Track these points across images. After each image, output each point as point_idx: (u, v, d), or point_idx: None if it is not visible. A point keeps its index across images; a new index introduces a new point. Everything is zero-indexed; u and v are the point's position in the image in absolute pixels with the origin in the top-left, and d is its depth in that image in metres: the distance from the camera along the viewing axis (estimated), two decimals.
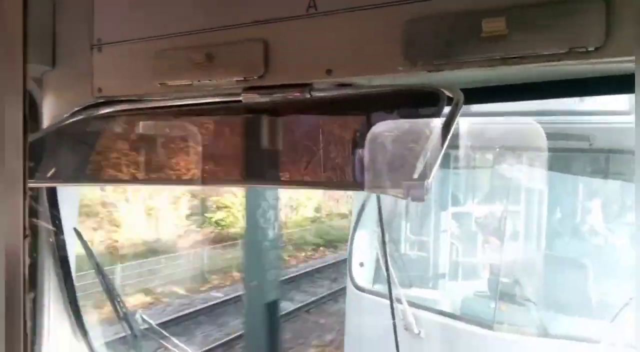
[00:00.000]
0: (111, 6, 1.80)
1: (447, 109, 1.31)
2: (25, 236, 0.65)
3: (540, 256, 5.01)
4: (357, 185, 1.52)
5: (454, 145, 4.64)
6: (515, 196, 5.00)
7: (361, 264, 5.54)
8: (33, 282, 2.09)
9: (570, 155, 4.70)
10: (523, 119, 4.51)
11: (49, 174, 1.90)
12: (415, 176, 1.17)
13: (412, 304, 4.95)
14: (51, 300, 2.11)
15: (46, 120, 1.94)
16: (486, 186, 5.68)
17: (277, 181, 1.72)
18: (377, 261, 5.39)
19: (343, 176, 1.58)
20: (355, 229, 5.61)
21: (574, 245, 4.90)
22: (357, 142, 1.54)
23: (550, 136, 4.58)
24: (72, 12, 1.87)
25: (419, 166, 1.19)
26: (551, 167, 4.93)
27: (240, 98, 1.60)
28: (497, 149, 5.12)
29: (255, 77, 1.54)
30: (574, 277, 4.64)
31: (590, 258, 4.62)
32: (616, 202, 4.64)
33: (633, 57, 1.08)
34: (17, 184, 0.70)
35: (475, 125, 4.57)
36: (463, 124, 4.45)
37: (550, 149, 4.71)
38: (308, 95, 1.51)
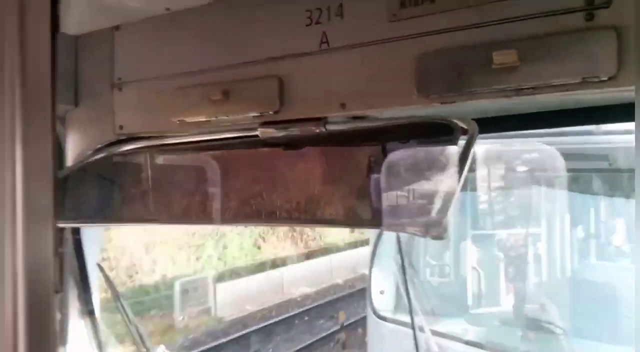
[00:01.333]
0: (131, 47, 1.87)
1: (461, 140, 1.32)
2: (56, 291, 0.64)
3: (566, 280, 4.88)
4: (376, 223, 1.50)
5: (473, 169, 4.61)
6: (538, 218, 4.91)
7: (381, 292, 5.46)
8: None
9: (590, 175, 4.63)
10: (541, 141, 4.48)
11: (72, 213, 1.95)
12: (434, 212, 1.13)
13: (435, 332, 4.84)
14: (74, 337, 2.13)
15: (70, 159, 2.00)
16: (508, 209, 5.59)
17: (295, 219, 1.71)
18: (397, 288, 5.31)
19: (360, 213, 1.57)
20: (373, 256, 5.55)
21: (599, 267, 4.77)
22: (373, 177, 1.54)
23: (568, 157, 4.54)
24: (93, 53, 1.95)
25: (437, 202, 1.17)
26: (572, 188, 4.86)
27: (257, 133, 1.63)
28: (518, 172, 5.08)
29: (271, 112, 1.58)
30: (601, 301, 4.50)
31: (618, 280, 4.49)
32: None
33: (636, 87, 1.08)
34: (46, 225, 0.70)
35: (493, 147, 4.55)
36: (480, 147, 4.43)
37: (570, 170, 4.65)
38: (323, 129, 1.53)
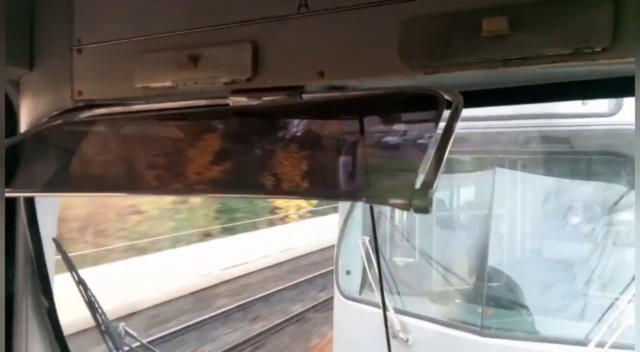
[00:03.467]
0: (92, 6, 1.73)
1: (445, 113, 1.27)
2: None
3: (525, 258, 5.04)
4: (355, 195, 1.44)
5: None
6: (499, 199, 5.03)
7: (348, 272, 5.49)
8: (10, 296, 1.99)
9: (552, 157, 4.76)
10: (503, 123, 4.56)
11: (26, 182, 1.81)
12: (418, 185, 1.06)
13: (398, 310, 4.93)
14: (29, 315, 2.01)
15: (23, 125, 1.85)
16: (470, 189, 5.70)
17: (269, 191, 1.63)
18: (364, 268, 5.35)
19: (338, 185, 1.51)
20: (341, 237, 5.57)
21: (558, 247, 4.95)
22: (353, 148, 1.48)
23: (531, 139, 4.64)
24: (51, 12, 1.80)
25: (421, 174, 1.11)
26: (534, 169, 4.99)
27: (228, 101, 1.54)
28: (481, 153, 5.17)
29: (244, 80, 1.49)
30: (559, 279, 4.68)
31: (576, 259, 4.67)
32: (599, 204, 4.71)
33: (636, 59, 1.05)
34: None
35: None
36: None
37: (532, 152, 4.77)
38: (299, 99, 1.46)
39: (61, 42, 1.76)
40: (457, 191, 5.75)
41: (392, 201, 1.11)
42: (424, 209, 1.04)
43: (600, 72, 1.23)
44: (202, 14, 1.56)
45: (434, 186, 1.05)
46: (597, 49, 1.09)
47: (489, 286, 4.86)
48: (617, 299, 4.05)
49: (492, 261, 4.93)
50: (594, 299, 4.43)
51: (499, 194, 5.00)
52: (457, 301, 5.14)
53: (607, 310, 4.00)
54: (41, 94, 1.84)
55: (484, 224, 5.05)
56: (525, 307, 4.71)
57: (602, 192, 4.64)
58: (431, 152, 1.13)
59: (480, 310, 4.72)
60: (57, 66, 1.77)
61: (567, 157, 4.68)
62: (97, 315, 2.16)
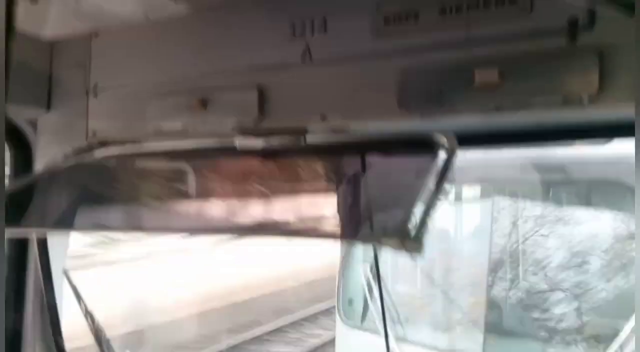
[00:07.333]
0: (108, 51, 1.83)
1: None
2: None
3: (525, 286, 5.04)
4: (352, 235, 1.48)
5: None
6: (500, 227, 5.06)
7: (350, 301, 5.48)
8: (19, 329, 2.02)
9: (548, 186, 4.81)
10: (500, 153, 4.62)
11: (39, 219, 1.87)
12: (412, 227, 1.10)
13: (400, 339, 4.90)
14: (37, 350, 2.04)
15: (39, 164, 1.93)
16: (470, 217, 5.74)
17: (270, 230, 1.68)
18: (365, 297, 5.34)
19: (337, 225, 1.55)
20: (343, 265, 5.57)
21: (558, 275, 4.95)
22: (352, 189, 1.54)
23: (528, 168, 4.70)
24: (69, 56, 1.90)
25: (415, 216, 1.13)
26: (531, 197, 5.04)
27: (235, 142, 1.62)
28: (478, 182, 5.22)
29: (250, 122, 1.56)
30: (562, 307, 4.67)
31: (579, 288, 4.67)
32: (600, 231, 4.73)
33: (629, 104, 1.09)
34: None
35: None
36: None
37: (529, 181, 4.83)
38: (302, 140, 1.53)
39: (78, 86, 1.85)
40: (458, 219, 5.78)
41: (387, 242, 1.16)
42: (417, 251, 1.08)
43: (591, 118, 1.30)
44: (211, 60, 1.65)
45: (427, 228, 1.10)
46: (584, 99, 1.16)
47: (490, 313, 4.84)
48: (620, 327, 4.04)
49: (494, 289, 4.93)
50: (597, 327, 4.41)
51: (498, 221, 5.04)
52: (459, 328, 5.11)
53: (611, 339, 3.98)
54: (57, 134, 1.92)
55: (484, 251, 5.07)
56: (527, 335, 4.69)
57: (603, 220, 4.67)
58: (425, 194, 1.18)
59: (481, 338, 4.70)
60: (74, 108, 1.86)
61: (563, 185, 4.74)
62: (104, 347, 2.19)
